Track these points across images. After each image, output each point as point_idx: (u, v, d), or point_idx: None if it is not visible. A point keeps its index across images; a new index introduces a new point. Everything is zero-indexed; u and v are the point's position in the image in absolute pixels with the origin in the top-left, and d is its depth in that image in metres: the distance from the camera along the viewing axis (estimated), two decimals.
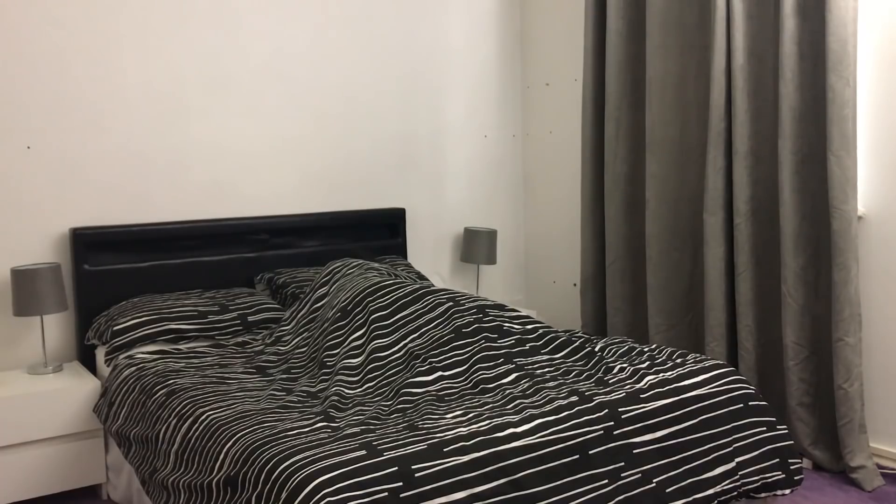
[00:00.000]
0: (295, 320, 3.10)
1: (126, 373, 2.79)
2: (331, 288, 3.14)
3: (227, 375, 2.67)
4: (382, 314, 2.80)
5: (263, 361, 2.85)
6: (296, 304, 3.19)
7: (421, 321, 2.77)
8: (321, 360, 2.70)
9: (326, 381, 2.56)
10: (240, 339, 3.12)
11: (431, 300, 2.86)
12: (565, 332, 2.97)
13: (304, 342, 2.93)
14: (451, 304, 2.84)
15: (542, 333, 2.79)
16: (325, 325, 2.87)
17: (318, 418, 2.19)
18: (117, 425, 2.68)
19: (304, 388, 2.52)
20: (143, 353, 2.95)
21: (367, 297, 2.88)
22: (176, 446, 2.29)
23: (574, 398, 2.21)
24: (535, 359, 2.61)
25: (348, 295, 2.94)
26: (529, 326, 2.83)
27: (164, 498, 2.26)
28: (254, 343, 3.07)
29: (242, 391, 2.49)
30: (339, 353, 2.69)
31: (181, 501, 2.17)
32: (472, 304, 2.87)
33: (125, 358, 2.92)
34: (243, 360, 2.88)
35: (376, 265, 3.38)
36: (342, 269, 3.27)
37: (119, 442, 2.67)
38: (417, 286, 2.96)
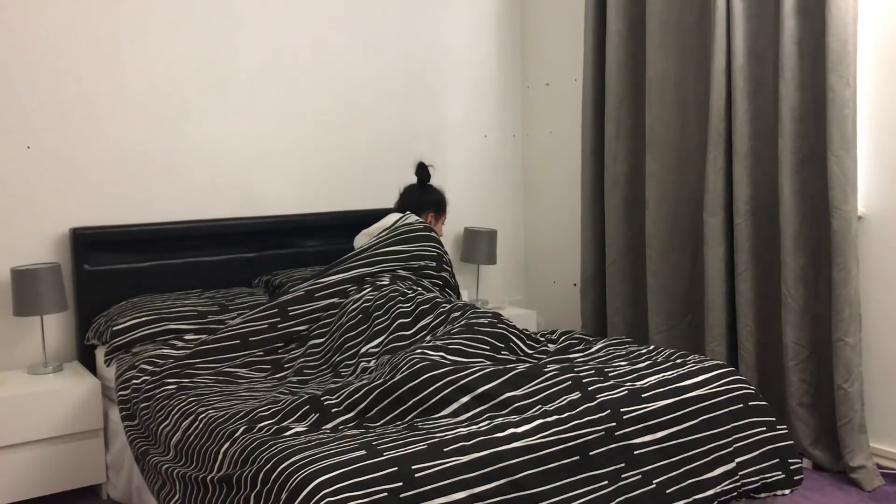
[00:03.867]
0: (309, 290, 3.04)
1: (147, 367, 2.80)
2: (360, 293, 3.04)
3: (239, 373, 2.71)
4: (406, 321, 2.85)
5: (280, 351, 2.87)
6: (317, 277, 3.10)
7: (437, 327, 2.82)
8: (336, 369, 2.72)
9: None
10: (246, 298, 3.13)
11: (445, 312, 2.89)
12: (564, 333, 2.96)
13: (320, 337, 2.91)
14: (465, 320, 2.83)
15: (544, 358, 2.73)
16: (344, 326, 2.87)
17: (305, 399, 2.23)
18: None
19: (311, 393, 2.52)
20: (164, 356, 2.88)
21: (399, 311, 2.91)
22: (175, 441, 2.30)
23: (575, 396, 2.20)
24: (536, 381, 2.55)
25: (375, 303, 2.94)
26: (529, 351, 2.75)
27: (160, 484, 2.27)
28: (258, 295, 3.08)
29: (249, 391, 2.51)
30: (354, 363, 2.70)
31: (177, 489, 2.17)
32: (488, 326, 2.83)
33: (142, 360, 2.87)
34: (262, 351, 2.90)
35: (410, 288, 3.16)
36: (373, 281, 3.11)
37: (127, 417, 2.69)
38: (450, 306, 2.94)
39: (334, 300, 3.02)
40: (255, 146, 3.71)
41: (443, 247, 3.34)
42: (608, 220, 3.80)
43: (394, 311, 2.85)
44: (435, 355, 2.43)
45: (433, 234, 3.30)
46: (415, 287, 3.07)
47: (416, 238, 3.22)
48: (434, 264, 3.21)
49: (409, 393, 2.20)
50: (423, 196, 3.48)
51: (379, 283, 3.04)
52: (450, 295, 3.29)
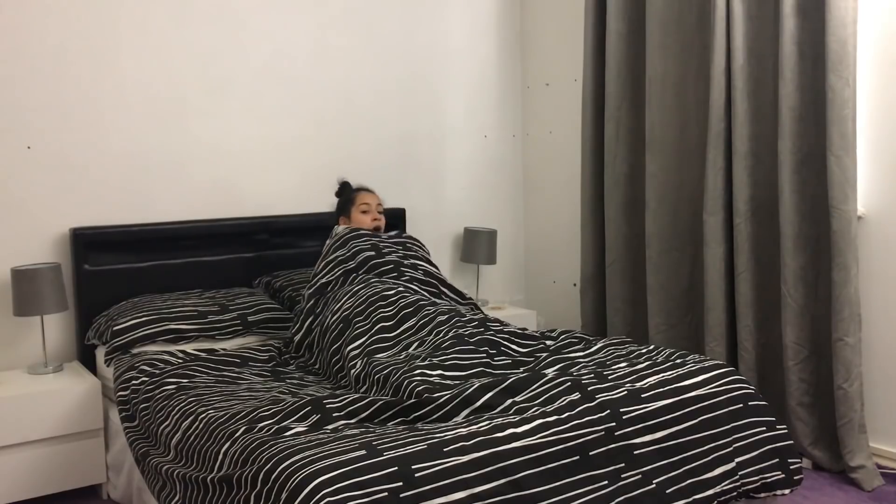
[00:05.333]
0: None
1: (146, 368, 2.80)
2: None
3: (240, 377, 2.72)
4: (387, 325, 2.83)
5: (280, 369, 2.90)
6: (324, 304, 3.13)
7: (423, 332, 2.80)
8: (335, 378, 2.72)
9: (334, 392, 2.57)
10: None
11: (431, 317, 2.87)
12: (564, 332, 2.96)
13: (317, 360, 2.94)
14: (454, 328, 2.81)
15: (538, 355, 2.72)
16: (330, 339, 2.88)
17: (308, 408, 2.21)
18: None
19: (312, 395, 2.52)
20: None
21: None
22: (175, 441, 2.30)
23: (575, 397, 2.20)
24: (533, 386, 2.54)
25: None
26: (524, 350, 2.75)
27: (160, 485, 2.28)
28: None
29: (249, 391, 2.51)
30: (345, 373, 2.70)
31: (177, 490, 2.17)
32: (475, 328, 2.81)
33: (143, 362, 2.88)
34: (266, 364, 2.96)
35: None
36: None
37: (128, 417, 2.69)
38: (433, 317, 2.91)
39: (310, 319, 3.04)
40: (255, 146, 3.71)
41: (372, 238, 3.32)
42: (608, 220, 3.81)
43: (374, 317, 2.85)
44: (434, 375, 2.43)
45: (361, 230, 3.34)
46: (391, 286, 3.08)
47: (346, 241, 3.26)
48: (373, 253, 3.23)
49: (412, 410, 2.23)
50: (335, 211, 3.59)
51: (355, 287, 3.04)
52: (410, 272, 3.27)
